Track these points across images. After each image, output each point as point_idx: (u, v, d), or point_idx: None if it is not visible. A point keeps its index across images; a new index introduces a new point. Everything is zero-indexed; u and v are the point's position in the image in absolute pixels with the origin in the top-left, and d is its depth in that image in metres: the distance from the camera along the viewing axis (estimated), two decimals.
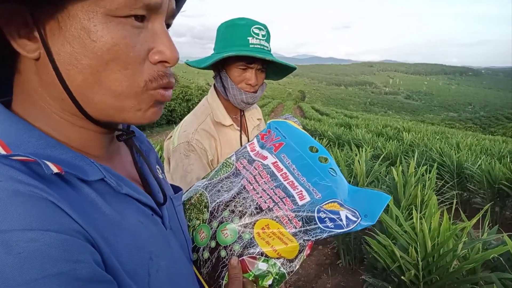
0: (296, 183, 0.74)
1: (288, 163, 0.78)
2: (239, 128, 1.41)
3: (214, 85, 1.41)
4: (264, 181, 0.76)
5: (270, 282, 0.69)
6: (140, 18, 0.45)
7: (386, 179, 3.73)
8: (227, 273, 0.69)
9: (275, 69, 1.39)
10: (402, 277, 1.93)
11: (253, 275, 0.69)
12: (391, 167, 4.49)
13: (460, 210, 2.92)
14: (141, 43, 0.45)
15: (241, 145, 1.39)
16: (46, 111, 0.47)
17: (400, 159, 3.73)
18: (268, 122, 0.91)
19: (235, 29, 1.25)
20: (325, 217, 0.68)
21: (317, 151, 0.81)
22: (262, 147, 0.85)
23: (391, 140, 8.83)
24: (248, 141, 1.45)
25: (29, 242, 0.34)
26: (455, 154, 5.50)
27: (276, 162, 0.79)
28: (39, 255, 0.34)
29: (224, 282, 0.69)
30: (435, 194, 4.17)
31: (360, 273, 2.94)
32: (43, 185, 0.39)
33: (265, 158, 0.81)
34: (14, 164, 0.40)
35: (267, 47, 1.28)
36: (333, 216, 0.68)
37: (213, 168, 1.28)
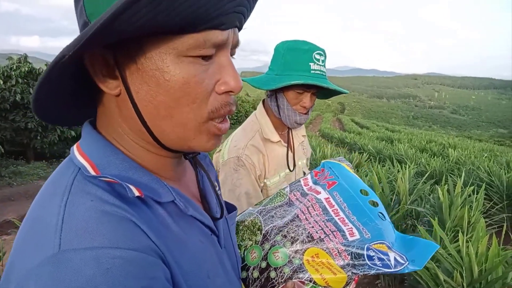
0: (346, 220, 0.77)
1: (340, 201, 0.81)
2: (286, 145, 1.45)
3: (263, 101, 1.46)
4: (316, 214, 0.79)
5: None
6: (209, 57, 0.48)
7: (430, 198, 3.62)
8: None
9: (326, 91, 1.42)
10: None
11: None
12: (436, 185, 4.33)
13: (510, 235, 2.77)
14: (210, 78, 0.49)
15: (287, 161, 1.44)
16: (125, 138, 0.52)
17: (446, 177, 3.61)
18: (322, 161, 0.95)
19: (298, 54, 1.29)
20: (374, 256, 0.70)
21: (367, 195, 0.83)
22: (315, 183, 0.89)
23: (435, 157, 8.51)
24: (294, 156, 1.49)
25: (115, 259, 0.39)
26: (505, 174, 5.21)
27: (328, 198, 0.82)
28: (123, 271, 0.39)
29: None
30: (483, 216, 3.99)
31: None
32: (125, 205, 0.45)
33: (318, 193, 0.84)
34: (101, 185, 0.46)
35: (325, 72, 1.32)
36: (382, 256, 0.69)
37: (260, 182, 1.32)
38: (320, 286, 0.71)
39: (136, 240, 0.42)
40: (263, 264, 0.76)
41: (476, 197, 3.11)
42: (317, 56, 1.30)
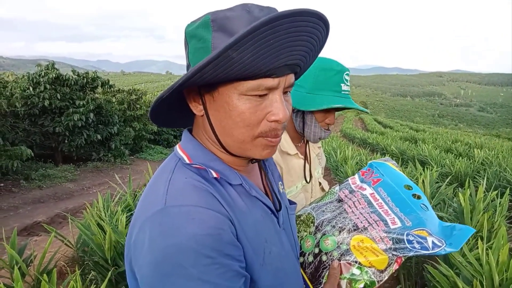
0: (389, 211, 0.88)
1: (384, 195, 0.92)
2: (302, 157, 1.49)
3: None
4: (361, 207, 0.92)
5: (361, 285, 0.82)
6: (263, 95, 0.66)
7: (453, 201, 3.56)
8: (326, 273, 0.86)
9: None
10: None
11: (347, 277, 0.84)
12: (460, 188, 4.24)
13: None
14: (262, 110, 0.67)
15: (304, 172, 1.49)
16: (208, 142, 0.76)
17: (469, 181, 3.54)
18: (369, 162, 1.06)
19: (331, 74, 1.31)
20: (413, 240, 0.80)
21: (411, 189, 0.91)
22: (362, 181, 1.00)
23: (460, 158, 8.32)
24: (310, 168, 1.52)
25: (198, 213, 0.61)
26: None
27: (373, 193, 0.94)
28: (203, 221, 0.60)
29: (323, 280, 0.86)
30: (510, 221, 3.88)
31: None
32: (208, 183, 0.68)
33: (364, 189, 0.97)
34: (193, 169, 0.71)
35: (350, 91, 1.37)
36: (420, 240, 0.79)
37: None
38: (365, 266, 0.83)
39: (212, 204, 0.64)
40: (316, 250, 0.90)
41: (500, 202, 3.04)
42: (346, 77, 1.33)
